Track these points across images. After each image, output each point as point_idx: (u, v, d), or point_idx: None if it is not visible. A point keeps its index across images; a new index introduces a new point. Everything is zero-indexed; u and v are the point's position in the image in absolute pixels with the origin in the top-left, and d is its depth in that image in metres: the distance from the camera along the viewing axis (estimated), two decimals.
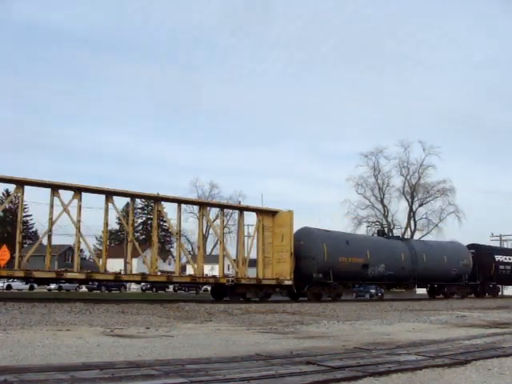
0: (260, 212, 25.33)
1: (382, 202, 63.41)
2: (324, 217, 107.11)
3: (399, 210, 64.59)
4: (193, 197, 66.12)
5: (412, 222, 62.84)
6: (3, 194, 75.12)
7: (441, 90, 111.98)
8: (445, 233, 60.20)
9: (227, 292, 23.64)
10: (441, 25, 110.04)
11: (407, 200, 63.41)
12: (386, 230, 60.76)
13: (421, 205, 63.27)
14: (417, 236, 58.60)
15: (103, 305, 15.91)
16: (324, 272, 25.44)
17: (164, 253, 75.49)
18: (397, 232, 59.83)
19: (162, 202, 23.68)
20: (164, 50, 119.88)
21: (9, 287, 45.60)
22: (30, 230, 77.96)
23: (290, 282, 24.17)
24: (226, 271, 26.07)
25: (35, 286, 47.42)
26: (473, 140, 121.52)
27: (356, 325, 12.21)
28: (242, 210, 25.79)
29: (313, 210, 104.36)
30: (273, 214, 25.44)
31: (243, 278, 24.02)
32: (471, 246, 36.23)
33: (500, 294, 40.93)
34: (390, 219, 63.28)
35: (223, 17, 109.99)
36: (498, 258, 35.86)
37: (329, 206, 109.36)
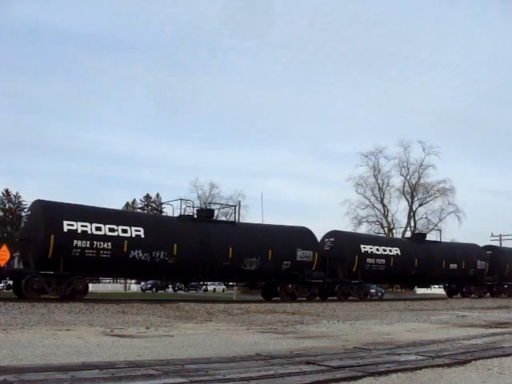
0: None
1: (381, 201, 63.36)
2: (324, 217, 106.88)
3: (399, 209, 64.55)
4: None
5: (412, 222, 62.75)
6: (3, 193, 75.09)
7: (441, 90, 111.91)
8: (445, 233, 60.22)
9: None
10: (441, 25, 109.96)
11: (407, 200, 63.36)
12: (385, 229, 60.62)
13: (421, 205, 63.23)
14: None
15: (103, 305, 15.90)
16: None
17: None
18: (397, 233, 59.62)
19: None
20: (165, 50, 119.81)
21: (9, 287, 45.44)
22: None
23: None
24: None
25: None
26: (473, 140, 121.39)
27: (356, 325, 12.21)
28: None
29: (313, 210, 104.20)
30: None
31: None
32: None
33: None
34: (390, 219, 63.20)
35: (224, 18, 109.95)
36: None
37: (329, 206, 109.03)
